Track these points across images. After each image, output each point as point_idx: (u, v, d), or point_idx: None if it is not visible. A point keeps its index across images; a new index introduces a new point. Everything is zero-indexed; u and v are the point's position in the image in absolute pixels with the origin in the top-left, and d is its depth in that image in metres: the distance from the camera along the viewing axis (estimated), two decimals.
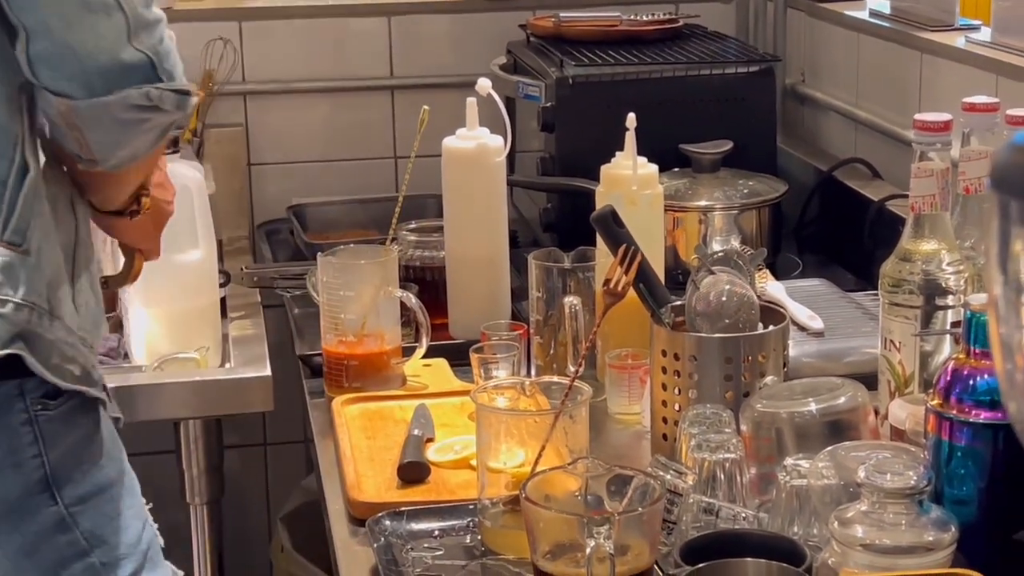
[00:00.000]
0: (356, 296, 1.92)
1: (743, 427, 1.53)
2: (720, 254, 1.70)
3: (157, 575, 1.63)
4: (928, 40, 2.40)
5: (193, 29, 2.84)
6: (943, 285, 1.62)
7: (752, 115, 2.52)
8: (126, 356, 2.24)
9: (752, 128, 2.51)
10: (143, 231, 1.70)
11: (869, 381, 1.62)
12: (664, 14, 2.82)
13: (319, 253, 1.95)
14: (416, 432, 1.76)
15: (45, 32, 1.40)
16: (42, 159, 1.50)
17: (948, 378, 1.36)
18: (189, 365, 2.14)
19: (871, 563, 1.25)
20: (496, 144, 2.10)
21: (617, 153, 2.00)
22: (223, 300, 2.35)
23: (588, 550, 1.28)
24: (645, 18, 2.76)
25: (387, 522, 1.54)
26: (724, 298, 1.65)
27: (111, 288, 1.75)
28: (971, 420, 1.33)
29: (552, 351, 1.94)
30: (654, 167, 2.00)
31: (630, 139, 1.97)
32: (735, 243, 2.28)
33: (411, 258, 2.22)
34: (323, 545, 1.74)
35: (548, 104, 2.45)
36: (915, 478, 1.27)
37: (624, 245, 1.71)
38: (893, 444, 1.47)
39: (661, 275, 1.82)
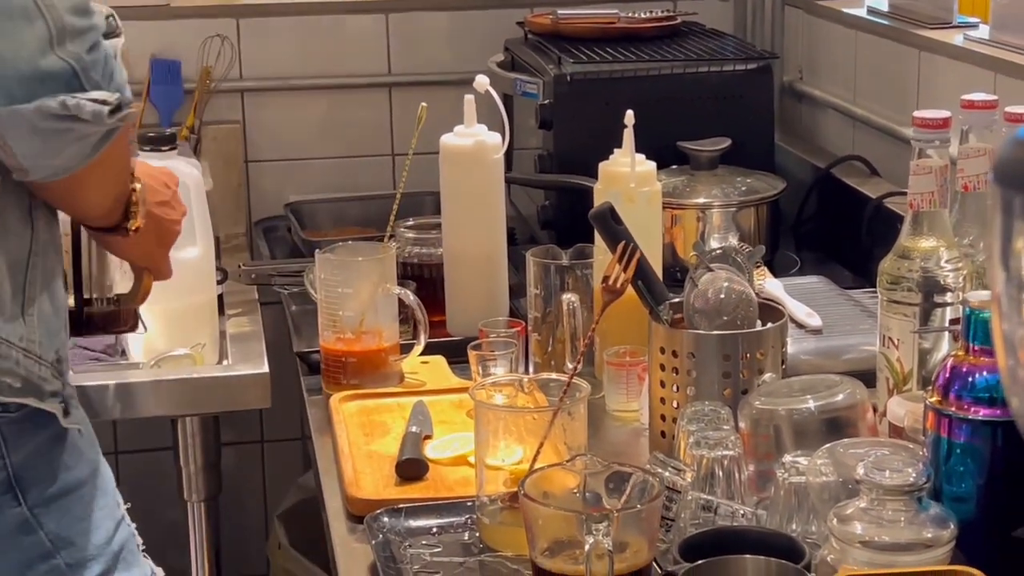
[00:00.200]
0: (354, 293, 1.91)
1: (741, 424, 1.53)
2: (718, 251, 1.70)
3: (131, 574, 1.62)
4: (926, 37, 2.40)
5: (191, 26, 2.84)
6: (942, 282, 1.62)
7: (750, 112, 2.52)
8: (123, 353, 2.24)
9: (750, 125, 2.51)
10: (144, 250, 1.67)
11: (867, 378, 1.62)
12: (662, 11, 2.82)
13: (317, 250, 1.95)
14: (414, 429, 1.76)
15: None
16: None
17: (947, 375, 1.35)
18: (186, 362, 2.14)
19: (870, 560, 1.25)
20: (494, 141, 2.10)
21: (615, 150, 1.99)
22: (220, 297, 2.35)
23: (587, 547, 1.28)
24: (643, 15, 2.76)
25: (385, 519, 1.54)
26: (722, 295, 1.65)
27: (123, 306, 1.73)
28: (970, 417, 1.33)
29: (550, 348, 1.93)
30: (652, 164, 2.00)
31: (628, 136, 1.96)
32: (733, 240, 2.28)
33: (409, 255, 2.22)
34: (320, 542, 1.74)
35: (546, 101, 2.45)
36: (914, 475, 1.27)
37: (623, 242, 1.71)
38: (892, 441, 1.47)
39: (659, 272, 1.82)
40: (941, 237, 1.62)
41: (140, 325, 1.78)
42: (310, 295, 2.05)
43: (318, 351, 1.97)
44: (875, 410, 1.59)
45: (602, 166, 2.00)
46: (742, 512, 1.44)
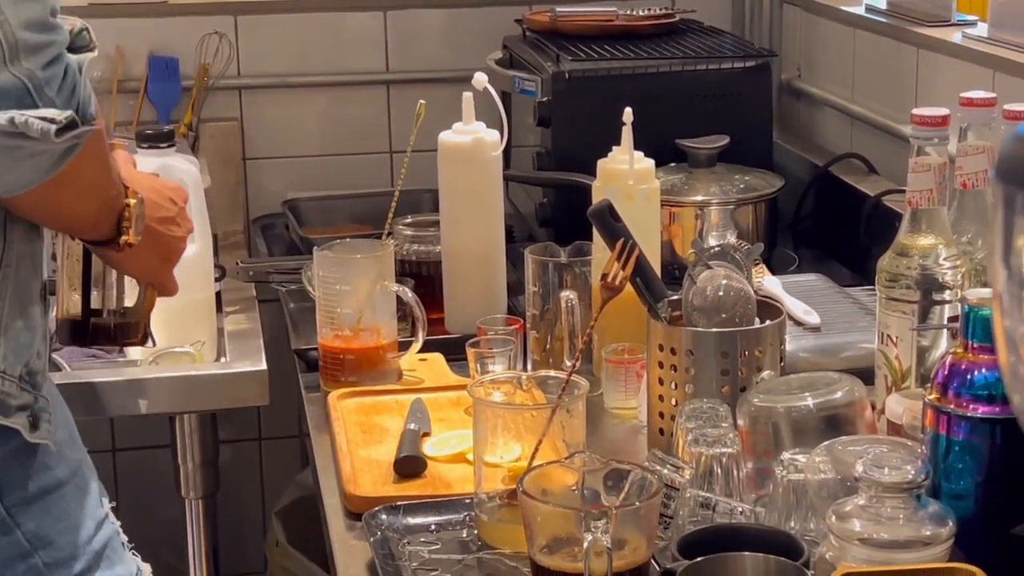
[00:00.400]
0: (352, 290, 1.91)
1: (740, 422, 1.52)
2: (716, 249, 1.70)
3: (115, 572, 1.61)
4: (925, 35, 2.40)
5: (188, 23, 2.84)
6: (940, 280, 1.62)
7: (748, 110, 2.52)
8: (121, 351, 2.24)
9: (748, 123, 2.51)
10: (145, 265, 1.66)
11: (866, 376, 1.62)
12: (660, 9, 2.82)
13: (315, 247, 1.95)
14: (412, 426, 1.76)
15: None
16: None
17: (946, 372, 1.35)
18: (184, 359, 2.14)
19: (869, 557, 1.25)
20: (492, 139, 2.10)
21: (613, 148, 1.99)
22: (218, 295, 2.35)
23: (585, 544, 1.28)
24: (641, 13, 2.76)
25: (383, 516, 1.54)
26: (721, 293, 1.65)
27: (128, 319, 1.73)
28: (969, 414, 1.33)
29: (548, 346, 1.93)
30: (650, 162, 2.00)
31: (626, 134, 1.96)
32: (731, 238, 2.28)
33: (407, 253, 2.21)
34: (318, 540, 1.74)
35: (544, 99, 2.45)
36: (913, 472, 1.27)
37: (622, 239, 1.71)
38: (890, 439, 1.47)
39: (657, 270, 1.82)
40: (940, 235, 1.62)
41: (150, 339, 1.77)
42: (308, 292, 2.05)
43: (316, 348, 1.97)
44: (873, 408, 1.59)
45: (600, 164, 2.00)
46: (740, 509, 1.44)
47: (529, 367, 1.93)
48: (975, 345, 1.34)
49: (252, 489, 3.04)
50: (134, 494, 2.74)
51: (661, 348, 1.65)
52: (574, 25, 2.70)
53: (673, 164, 2.41)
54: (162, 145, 2.22)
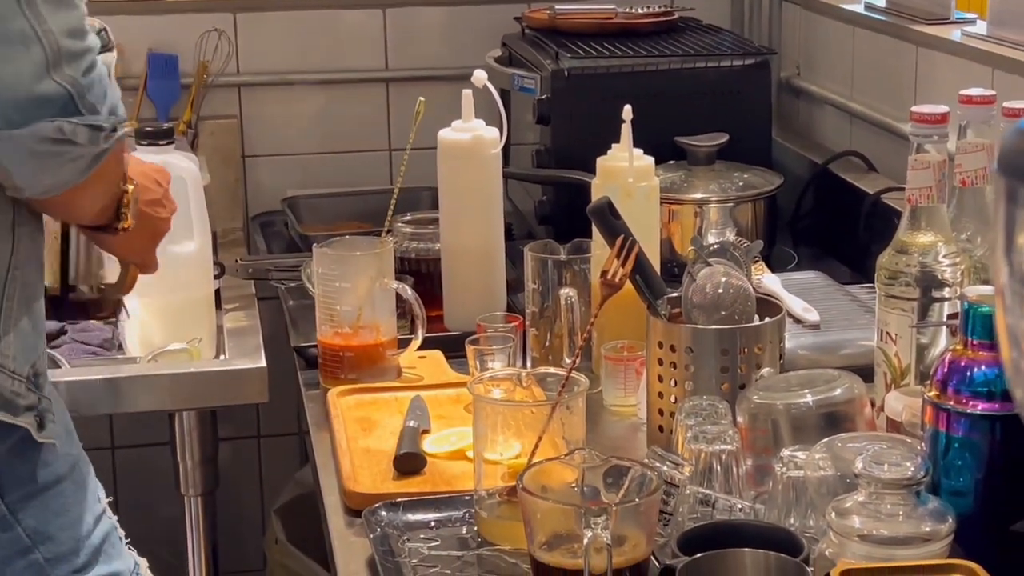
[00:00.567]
0: (352, 288, 1.91)
1: (739, 419, 1.53)
2: (716, 246, 1.70)
3: (114, 567, 1.61)
4: (924, 33, 2.40)
5: (188, 20, 2.84)
6: (939, 277, 1.62)
7: (747, 108, 2.52)
8: (120, 347, 2.24)
9: (747, 121, 2.51)
10: (135, 246, 1.67)
11: (865, 373, 1.62)
12: (659, 7, 2.82)
13: (314, 245, 1.95)
14: (412, 423, 1.76)
15: None
16: None
17: (945, 369, 1.36)
18: (183, 357, 2.14)
19: (868, 554, 1.25)
20: (491, 136, 2.10)
21: (613, 145, 1.99)
22: (217, 292, 2.35)
23: (585, 541, 1.28)
24: (640, 11, 2.76)
25: (383, 513, 1.54)
26: (720, 290, 1.65)
27: (108, 297, 1.74)
28: (968, 411, 1.33)
29: (548, 343, 1.93)
30: (650, 159, 2.00)
31: (626, 131, 1.96)
32: (731, 235, 2.27)
33: (407, 250, 2.22)
34: (317, 537, 1.74)
35: (543, 96, 2.45)
36: (912, 469, 1.27)
37: (622, 236, 1.71)
38: (890, 436, 1.47)
39: (657, 267, 1.82)
40: (939, 232, 1.62)
41: (123, 312, 1.77)
42: (307, 290, 2.05)
43: (315, 346, 1.97)
44: (873, 405, 1.59)
45: (600, 161, 2.00)
46: (740, 506, 1.44)
47: (528, 364, 1.93)
48: (974, 342, 1.34)
49: (251, 486, 3.04)
50: (133, 491, 2.74)
51: (660, 345, 1.65)
52: (573, 23, 2.70)
53: (672, 162, 2.41)
54: (161, 142, 2.22)
